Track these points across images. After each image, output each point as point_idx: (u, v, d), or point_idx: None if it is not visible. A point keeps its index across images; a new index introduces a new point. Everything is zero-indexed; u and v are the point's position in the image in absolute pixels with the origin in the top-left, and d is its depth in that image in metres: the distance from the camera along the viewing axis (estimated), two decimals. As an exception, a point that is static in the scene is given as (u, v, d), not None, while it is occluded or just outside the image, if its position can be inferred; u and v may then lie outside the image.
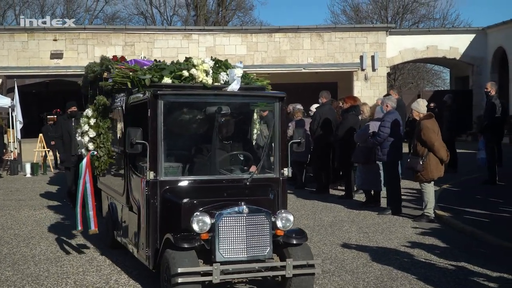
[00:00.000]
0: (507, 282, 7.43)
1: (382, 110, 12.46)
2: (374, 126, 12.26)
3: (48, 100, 30.80)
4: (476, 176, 16.18)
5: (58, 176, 19.38)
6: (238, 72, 7.64)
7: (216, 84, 7.51)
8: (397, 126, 11.76)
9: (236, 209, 6.55)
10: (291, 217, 6.75)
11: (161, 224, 7.03)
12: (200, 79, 7.44)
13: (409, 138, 16.68)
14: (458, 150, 18.15)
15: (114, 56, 8.87)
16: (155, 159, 6.96)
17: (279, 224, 6.71)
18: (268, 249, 6.58)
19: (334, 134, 14.03)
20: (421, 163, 10.85)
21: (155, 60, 8.00)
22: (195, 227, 6.44)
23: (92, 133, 8.26)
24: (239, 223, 6.51)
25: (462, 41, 31.02)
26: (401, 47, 30.81)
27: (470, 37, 31.13)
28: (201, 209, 6.70)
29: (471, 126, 29.74)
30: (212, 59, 7.76)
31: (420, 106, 11.34)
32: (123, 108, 8.17)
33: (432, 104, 17.27)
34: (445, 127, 15.25)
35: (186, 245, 6.38)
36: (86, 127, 8.31)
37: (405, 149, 11.68)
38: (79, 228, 8.57)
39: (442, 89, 44.39)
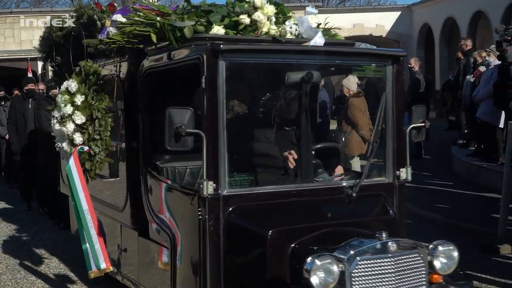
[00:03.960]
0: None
1: None
2: None
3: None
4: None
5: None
6: (313, 20, 4.58)
7: (288, 37, 4.38)
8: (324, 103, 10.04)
9: (377, 245, 3.47)
10: (455, 253, 3.74)
11: (227, 269, 3.85)
12: (266, 28, 4.29)
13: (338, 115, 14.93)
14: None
15: (97, 4, 5.49)
16: (215, 160, 3.75)
17: (437, 264, 3.67)
18: (424, 308, 3.58)
19: None
20: (343, 139, 9.29)
21: (186, 0, 4.62)
22: (315, 280, 3.31)
23: (80, 118, 4.81)
24: (386, 269, 3.42)
25: (388, 19, 28.78)
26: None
27: (396, 14, 28.97)
28: (295, 244, 3.61)
29: (398, 102, 27.74)
30: (268, 1, 4.58)
31: (351, 83, 9.93)
32: (126, 79, 4.90)
33: (358, 82, 15.58)
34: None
35: (300, 316, 3.28)
36: (68, 109, 4.84)
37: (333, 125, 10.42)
38: (104, 266, 4.93)
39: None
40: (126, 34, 4.39)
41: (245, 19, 4.21)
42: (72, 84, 4.89)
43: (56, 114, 5.00)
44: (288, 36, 4.42)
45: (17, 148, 9.67)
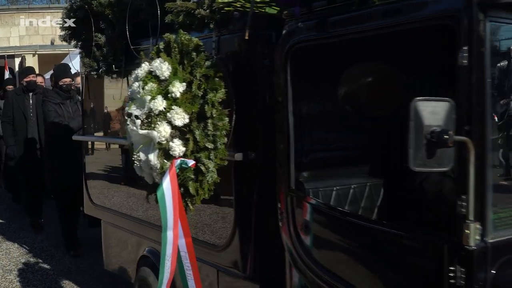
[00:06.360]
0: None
1: None
2: None
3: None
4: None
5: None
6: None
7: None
8: None
9: None
10: None
11: None
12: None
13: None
14: None
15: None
16: (483, 188, 2.21)
17: None
18: None
19: None
20: None
21: None
22: None
23: (181, 117, 3.12)
24: None
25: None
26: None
27: None
28: None
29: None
30: None
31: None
32: (236, 59, 3.32)
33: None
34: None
35: None
36: (160, 103, 3.15)
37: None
38: None
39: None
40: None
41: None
42: (163, 66, 3.18)
43: (135, 111, 3.28)
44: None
45: (14, 152, 7.76)
